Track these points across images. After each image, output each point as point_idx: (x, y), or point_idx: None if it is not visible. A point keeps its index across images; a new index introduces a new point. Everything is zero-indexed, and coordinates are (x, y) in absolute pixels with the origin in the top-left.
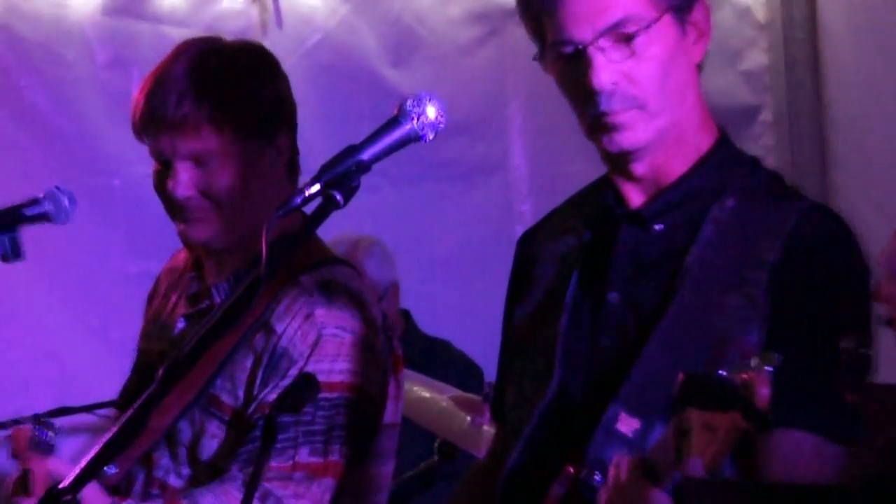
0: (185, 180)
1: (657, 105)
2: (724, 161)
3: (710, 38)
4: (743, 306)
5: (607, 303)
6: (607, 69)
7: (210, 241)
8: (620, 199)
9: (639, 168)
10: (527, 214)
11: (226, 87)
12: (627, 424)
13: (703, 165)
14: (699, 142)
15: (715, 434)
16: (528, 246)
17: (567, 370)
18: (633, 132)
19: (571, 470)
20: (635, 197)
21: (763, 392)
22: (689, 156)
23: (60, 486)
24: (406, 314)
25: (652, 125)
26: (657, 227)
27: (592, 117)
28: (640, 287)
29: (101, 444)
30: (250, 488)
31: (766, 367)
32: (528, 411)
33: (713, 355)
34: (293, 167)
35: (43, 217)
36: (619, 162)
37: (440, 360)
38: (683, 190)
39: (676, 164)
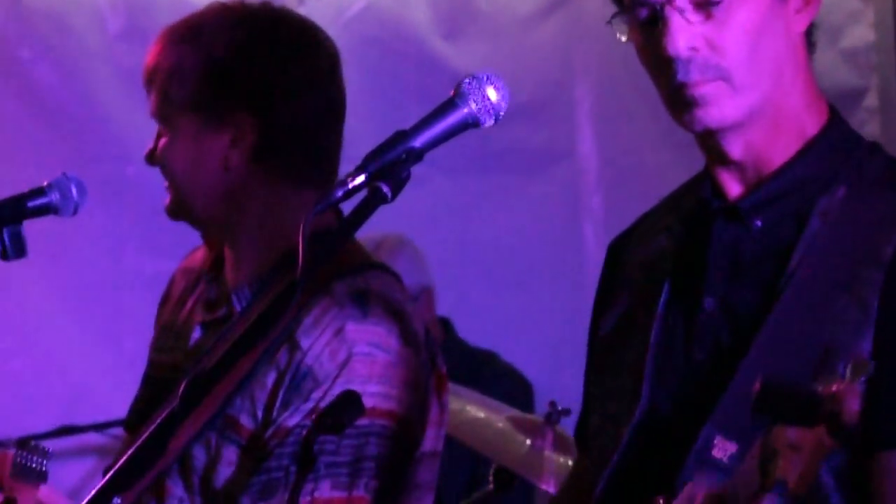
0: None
1: (745, 78)
2: (835, 146)
3: (817, 8)
4: (855, 310)
5: (703, 310)
6: (684, 32)
7: (167, 210)
8: (718, 191)
9: (734, 150)
10: (597, 210)
11: (182, 50)
12: (723, 449)
13: (810, 151)
14: (805, 124)
15: (800, 454)
16: (619, 251)
17: (657, 389)
18: (718, 108)
19: (661, 501)
20: (733, 187)
21: (852, 406)
22: (793, 140)
23: None
24: (445, 322)
25: (740, 101)
26: (757, 222)
27: (671, 90)
28: (739, 292)
29: (112, 472)
30: None
31: (860, 378)
32: (614, 436)
33: (819, 369)
34: (266, 152)
35: (48, 209)
36: (711, 145)
37: (485, 373)
38: (787, 179)
39: (778, 150)
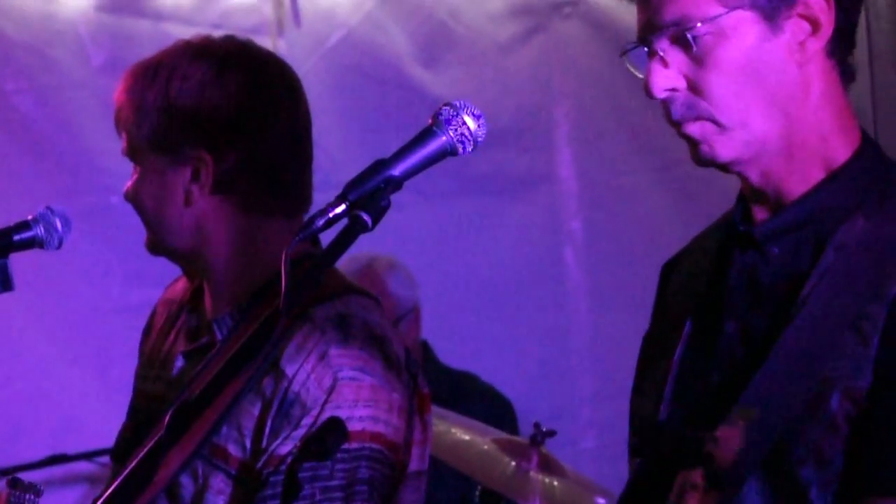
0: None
1: (731, 118)
2: (863, 174)
3: (831, 28)
4: (855, 345)
5: (724, 334)
6: (660, 75)
7: (146, 246)
8: (748, 215)
9: (752, 178)
10: (577, 232)
11: (141, 90)
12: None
13: (835, 180)
14: (830, 152)
15: (697, 493)
16: (668, 271)
17: (676, 410)
18: (709, 146)
19: None
20: (759, 212)
21: (729, 449)
22: (815, 169)
23: None
24: (424, 345)
25: (729, 139)
26: (774, 249)
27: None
28: (756, 317)
29: (100, 502)
30: None
31: (741, 423)
32: (637, 456)
33: (814, 401)
34: (227, 186)
35: (33, 243)
36: (734, 172)
37: (465, 394)
38: (806, 209)
39: (797, 179)
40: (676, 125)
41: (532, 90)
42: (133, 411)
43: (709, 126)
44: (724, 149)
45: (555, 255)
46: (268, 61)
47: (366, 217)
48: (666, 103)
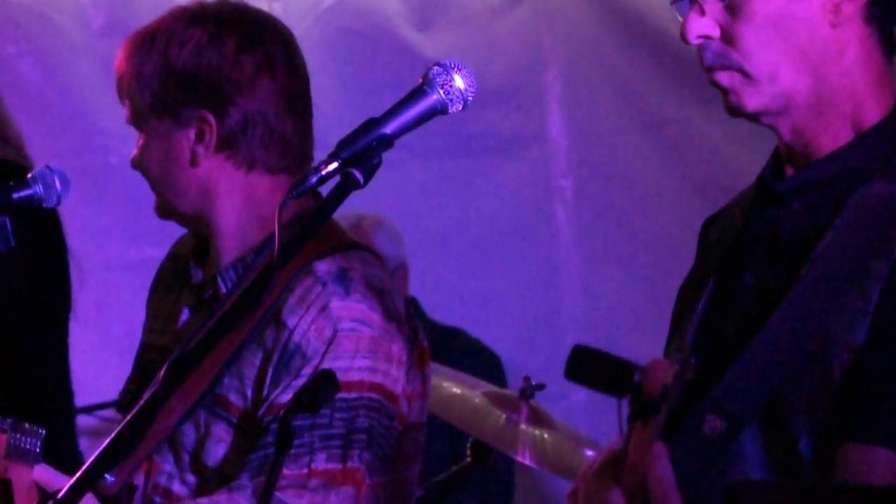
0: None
1: (761, 70)
2: (890, 138)
3: None
4: (857, 301)
5: (742, 286)
6: (696, 22)
7: (155, 211)
8: (779, 170)
9: (784, 133)
10: (567, 190)
11: (141, 57)
12: (712, 426)
13: (862, 142)
14: (861, 115)
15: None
16: (707, 226)
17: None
18: (737, 97)
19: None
20: (788, 169)
21: (656, 380)
22: (844, 129)
23: (58, 496)
24: (412, 301)
25: (758, 91)
26: (795, 205)
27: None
28: (772, 270)
29: (99, 450)
30: (263, 499)
31: (678, 360)
32: None
33: (814, 355)
34: (230, 144)
35: (32, 200)
36: (767, 125)
37: (453, 349)
38: (830, 168)
39: (827, 137)
40: (708, 71)
41: (523, 51)
42: (138, 364)
43: (737, 76)
44: (751, 99)
45: (545, 212)
46: (263, 21)
47: (358, 174)
48: (700, 49)
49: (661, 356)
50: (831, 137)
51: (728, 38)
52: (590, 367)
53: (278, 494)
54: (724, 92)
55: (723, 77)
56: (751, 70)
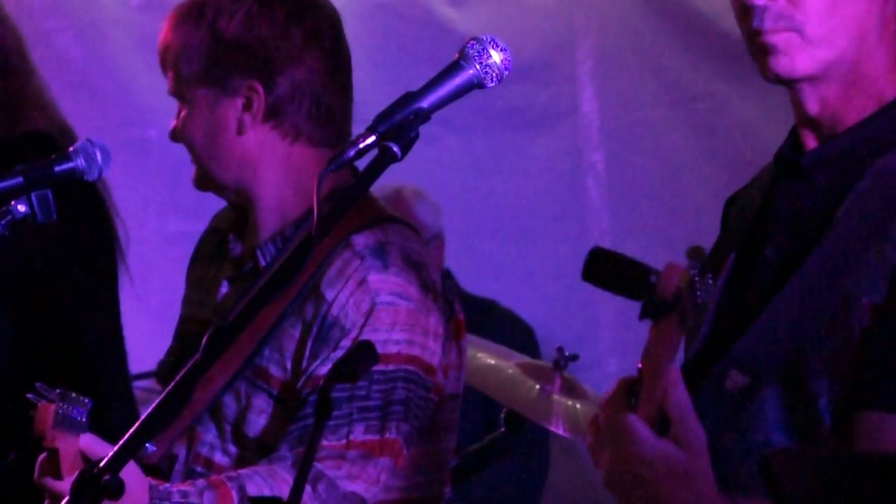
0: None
1: (819, 33)
2: None
3: None
4: (876, 262)
5: (763, 258)
6: None
7: (194, 182)
8: (799, 146)
9: (811, 106)
10: (599, 164)
11: (188, 28)
12: (734, 381)
13: (884, 114)
14: (885, 88)
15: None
16: (730, 203)
17: (715, 329)
18: (788, 57)
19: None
20: (810, 143)
21: (671, 282)
22: (870, 102)
23: (100, 464)
24: (447, 273)
25: (811, 54)
26: (818, 178)
27: (749, 36)
28: (794, 242)
29: (140, 420)
30: (303, 470)
31: (694, 262)
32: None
33: (833, 316)
34: (276, 114)
35: (73, 174)
36: (793, 100)
37: (487, 320)
38: (854, 139)
39: (853, 110)
40: (758, 33)
41: (556, 27)
42: (178, 336)
43: (795, 38)
44: (804, 63)
45: (577, 186)
46: None
47: (395, 148)
48: (755, 10)
49: None
50: (857, 109)
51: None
52: (607, 268)
53: (317, 465)
54: (774, 54)
55: (779, 38)
56: (811, 32)
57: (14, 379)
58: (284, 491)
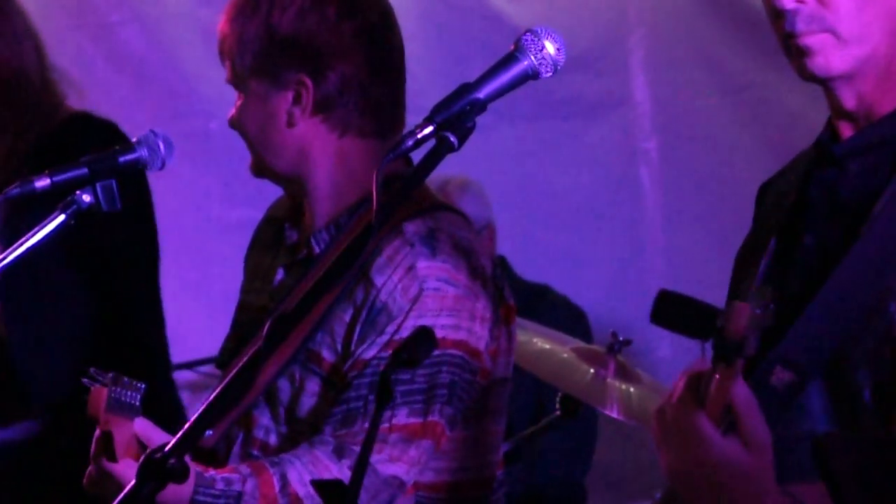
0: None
1: (852, 31)
2: None
3: None
4: None
5: (803, 246)
6: None
7: (251, 170)
8: (835, 136)
9: (847, 101)
10: (651, 152)
11: (243, 20)
12: (780, 377)
13: None
14: None
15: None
16: (764, 190)
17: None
18: (824, 58)
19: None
20: (846, 132)
21: (738, 324)
22: None
23: (165, 449)
24: (502, 260)
25: (846, 53)
26: (853, 166)
27: (782, 38)
28: (831, 230)
29: (204, 405)
30: (363, 456)
31: (761, 302)
32: None
33: (874, 310)
34: (326, 108)
35: (137, 164)
36: (828, 96)
37: (541, 305)
38: (886, 129)
39: (889, 102)
40: (792, 36)
41: (608, 18)
42: (237, 322)
43: (829, 38)
44: (839, 62)
45: (630, 173)
46: None
47: (452, 138)
48: (789, 13)
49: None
50: (893, 100)
51: (822, 1)
52: (674, 311)
53: (355, 448)
54: (809, 55)
55: (813, 40)
56: (843, 31)
57: (90, 358)
58: (325, 476)
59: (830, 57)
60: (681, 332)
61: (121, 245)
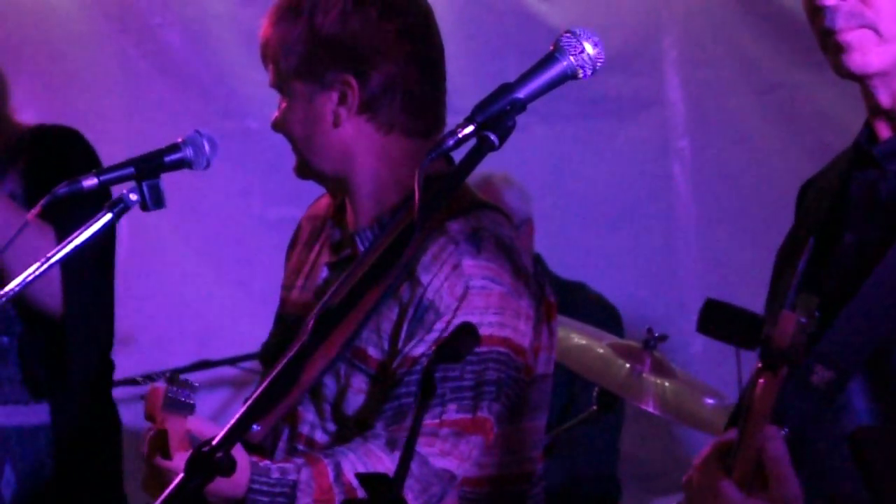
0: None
1: (891, 29)
2: None
3: None
4: None
5: (842, 245)
6: None
7: (295, 171)
8: (873, 136)
9: (883, 99)
10: (685, 151)
11: (287, 23)
12: (821, 376)
13: None
14: None
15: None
16: (805, 190)
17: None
18: (862, 54)
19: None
20: (884, 133)
21: (785, 331)
22: None
23: (213, 443)
24: (537, 257)
25: (885, 50)
26: (892, 167)
27: (820, 35)
28: (871, 230)
29: (250, 400)
30: (408, 448)
31: (806, 311)
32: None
33: None
34: (370, 107)
35: (183, 164)
36: (864, 93)
37: (576, 302)
38: None
39: None
40: (831, 33)
41: (642, 19)
42: (279, 319)
43: (869, 34)
44: (878, 58)
45: (664, 172)
46: None
47: (493, 137)
48: (829, 10)
49: (766, 315)
50: None
51: None
52: (721, 320)
53: None
54: (848, 51)
55: (853, 36)
56: (884, 28)
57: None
58: (378, 469)
59: (869, 54)
60: (727, 341)
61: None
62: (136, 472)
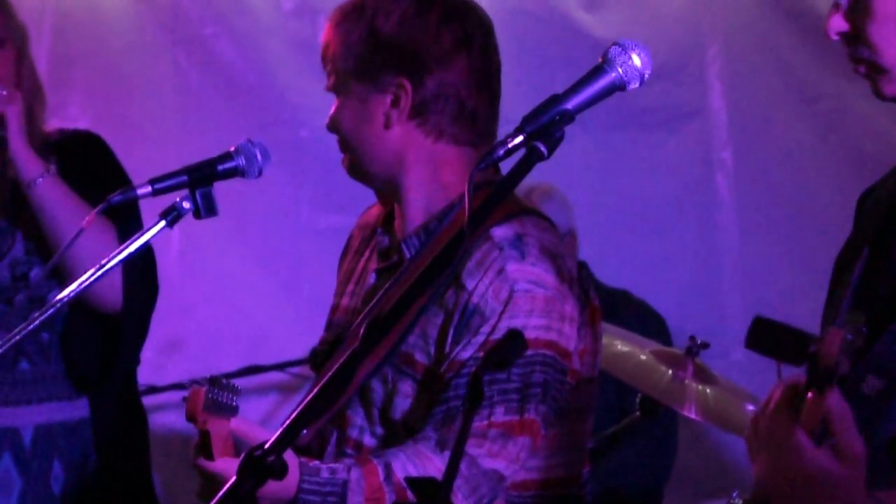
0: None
1: (891, 62)
2: None
3: None
4: None
5: (895, 254)
6: (833, 19)
7: (346, 170)
8: None
9: None
10: (727, 161)
11: (348, 25)
12: (871, 386)
13: None
14: None
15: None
16: (864, 198)
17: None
18: (874, 83)
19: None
20: None
21: (831, 350)
22: None
23: (265, 447)
24: (582, 265)
25: (890, 79)
26: None
27: (853, 62)
28: None
29: (302, 404)
30: (457, 451)
31: (853, 327)
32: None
33: None
34: (422, 112)
35: (235, 172)
36: None
37: (620, 309)
38: None
39: None
40: (860, 61)
41: (685, 30)
42: (330, 325)
43: (871, 68)
44: (887, 87)
45: (706, 182)
46: (464, 1)
47: (542, 147)
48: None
49: (822, 323)
50: None
51: (857, 34)
52: (769, 336)
53: None
54: (872, 80)
55: (861, 69)
56: (881, 63)
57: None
58: (429, 469)
59: (878, 84)
60: (775, 358)
61: None
62: (178, 474)
